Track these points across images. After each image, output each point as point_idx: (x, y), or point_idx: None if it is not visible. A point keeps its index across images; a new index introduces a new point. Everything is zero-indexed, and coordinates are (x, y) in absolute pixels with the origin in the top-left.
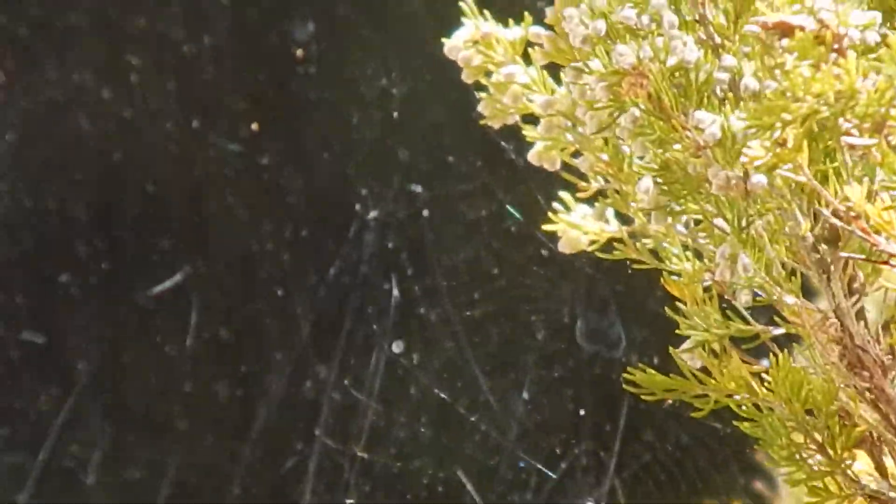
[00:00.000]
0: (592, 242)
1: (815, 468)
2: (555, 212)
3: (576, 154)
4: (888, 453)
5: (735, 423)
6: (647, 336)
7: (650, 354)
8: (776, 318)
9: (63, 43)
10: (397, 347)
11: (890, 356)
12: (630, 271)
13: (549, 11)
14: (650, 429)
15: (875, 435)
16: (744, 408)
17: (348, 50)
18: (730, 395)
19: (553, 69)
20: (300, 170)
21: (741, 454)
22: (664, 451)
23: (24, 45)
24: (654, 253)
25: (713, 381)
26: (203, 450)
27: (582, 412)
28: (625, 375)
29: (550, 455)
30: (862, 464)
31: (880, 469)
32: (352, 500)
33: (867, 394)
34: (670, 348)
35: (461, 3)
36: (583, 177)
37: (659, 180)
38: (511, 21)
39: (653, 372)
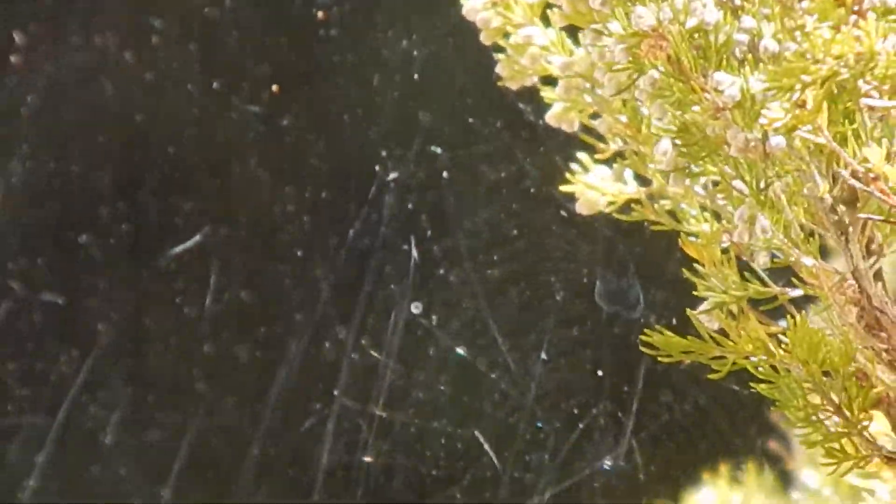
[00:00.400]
0: (610, 204)
1: (832, 429)
2: (573, 173)
3: (594, 115)
4: None
5: (752, 384)
6: (665, 297)
7: (668, 316)
8: (794, 280)
9: (85, 6)
10: (416, 308)
11: None
12: (649, 233)
13: None
14: (668, 390)
15: (892, 396)
16: (761, 369)
17: (370, 12)
18: (747, 357)
19: (572, 30)
20: (321, 132)
21: (759, 415)
22: (682, 411)
23: (46, 8)
24: (672, 214)
25: (731, 343)
26: (222, 411)
27: (600, 373)
28: (642, 337)
29: (568, 416)
30: (879, 425)
31: None
32: (370, 459)
33: (885, 355)
34: (688, 310)
35: None
36: (601, 138)
37: (677, 142)
38: None
39: (670, 334)
